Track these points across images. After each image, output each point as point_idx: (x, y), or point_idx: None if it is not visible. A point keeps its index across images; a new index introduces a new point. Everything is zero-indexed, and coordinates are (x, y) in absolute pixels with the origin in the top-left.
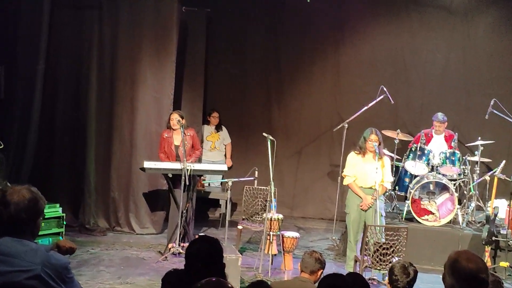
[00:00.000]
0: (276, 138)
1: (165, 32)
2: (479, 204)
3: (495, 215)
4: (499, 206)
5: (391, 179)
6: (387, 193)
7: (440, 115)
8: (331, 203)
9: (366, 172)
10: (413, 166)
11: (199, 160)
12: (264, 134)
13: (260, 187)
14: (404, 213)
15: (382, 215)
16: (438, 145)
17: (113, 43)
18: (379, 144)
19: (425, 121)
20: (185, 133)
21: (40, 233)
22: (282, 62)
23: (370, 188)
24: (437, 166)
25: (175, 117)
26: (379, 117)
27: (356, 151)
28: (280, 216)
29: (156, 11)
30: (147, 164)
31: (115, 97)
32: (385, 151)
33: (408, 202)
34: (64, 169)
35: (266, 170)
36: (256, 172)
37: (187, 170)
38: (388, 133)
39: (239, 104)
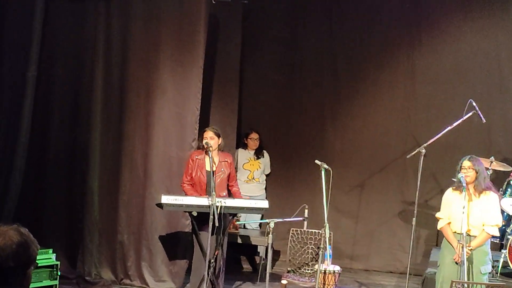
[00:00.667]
0: (332, 166)
1: (190, 29)
2: None
3: None
4: None
5: (498, 222)
6: (494, 240)
7: None
8: (403, 252)
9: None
10: (511, 205)
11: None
12: (316, 161)
13: (310, 230)
14: (500, 265)
15: (482, 273)
16: None
17: (123, 43)
18: (476, 174)
19: None
20: (218, 159)
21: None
22: (340, 68)
23: (468, 235)
24: None
25: (209, 135)
26: (466, 140)
27: (453, 187)
28: (337, 268)
29: (179, 2)
30: (165, 199)
31: (125, 113)
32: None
33: (505, 251)
34: (59, 204)
35: (318, 208)
36: (306, 211)
37: (217, 207)
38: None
39: (283, 123)
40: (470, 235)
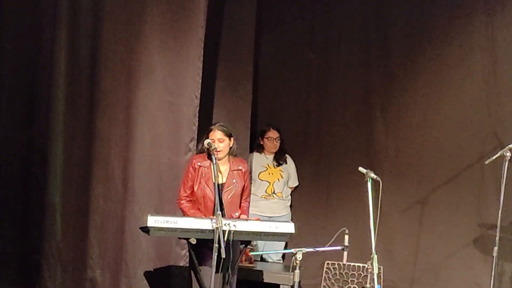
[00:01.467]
0: (382, 176)
1: None
2: None
3: None
4: None
5: None
6: None
7: None
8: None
9: None
10: None
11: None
12: (360, 169)
13: (352, 264)
14: None
15: None
16: None
17: (95, 7)
18: None
19: None
20: (229, 167)
21: None
22: (392, 43)
23: None
24: None
25: (217, 135)
26: None
27: None
28: None
29: None
30: (153, 221)
31: (98, 103)
32: None
33: None
34: (7, 226)
35: (363, 233)
36: (346, 238)
37: (225, 232)
38: None
39: (314, 117)
40: None
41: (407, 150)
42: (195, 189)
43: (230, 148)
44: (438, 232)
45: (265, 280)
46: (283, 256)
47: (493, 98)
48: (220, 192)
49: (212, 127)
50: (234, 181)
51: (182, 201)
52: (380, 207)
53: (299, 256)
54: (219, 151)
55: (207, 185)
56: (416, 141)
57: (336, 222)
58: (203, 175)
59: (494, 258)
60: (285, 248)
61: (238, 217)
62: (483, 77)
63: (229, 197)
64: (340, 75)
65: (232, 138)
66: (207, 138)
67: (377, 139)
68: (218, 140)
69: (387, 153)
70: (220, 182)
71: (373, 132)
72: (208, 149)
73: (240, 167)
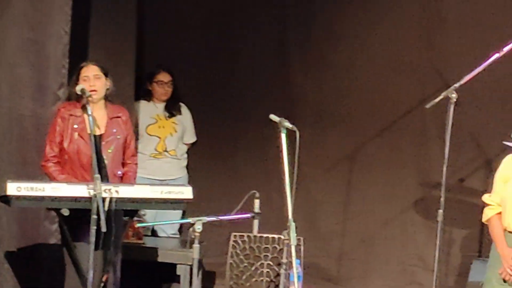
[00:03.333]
0: (302, 127)
1: None
2: None
3: None
4: None
5: None
6: None
7: None
8: (423, 269)
9: None
10: None
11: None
12: (272, 117)
13: (265, 236)
14: None
15: None
16: None
17: None
18: None
19: None
20: (107, 114)
21: None
22: None
23: None
24: None
25: (92, 71)
26: None
27: None
28: None
29: None
30: (13, 188)
31: None
32: None
33: None
34: None
35: (278, 197)
36: (257, 202)
37: (105, 200)
38: None
39: (215, 59)
40: None
41: (331, 95)
42: (66, 145)
43: (107, 89)
44: (371, 194)
45: (159, 259)
46: (180, 229)
47: (436, 31)
48: (99, 145)
49: (84, 63)
50: (114, 130)
51: (49, 163)
52: (299, 165)
53: (198, 227)
54: (94, 91)
55: (82, 138)
56: (343, 84)
57: (244, 184)
58: (76, 126)
59: (439, 223)
60: (182, 218)
61: (122, 178)
62: (422, 5)
63: (109, 150)
64: (250, 4)
65: (108, 78)
66: (78, 79)
67: (295, 82)
68: (94, 76)
69: (307, 99)
70: (97, 133)
71: (289, 74)
72: (79, 95)
73: (120, 114)
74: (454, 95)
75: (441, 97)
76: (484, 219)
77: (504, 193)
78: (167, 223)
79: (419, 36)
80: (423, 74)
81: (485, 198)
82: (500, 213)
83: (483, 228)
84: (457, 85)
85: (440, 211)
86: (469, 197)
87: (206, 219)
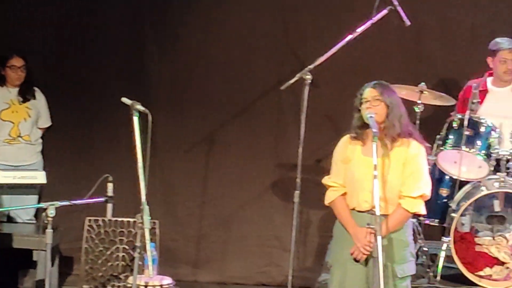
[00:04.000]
0: (157, 110)
1: None
2: None
3: None
4: None
5: (425, 190)
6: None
7: (506, 40)
8: (282, 251)
9: (365, 177)
10: (456, 162)
11: None
12: (124, 100)
13: (120, 220)
14: (440, 264)
15: (400, 276)
16: (503, 110)
17: None
18: (387, 110)
19: (476, 61)
20: None
21: None
22: None
23: (371, 212)
24: (507, 160)
25: None
26: (383, 59)
27: (351, 134)
28: (166, 281)
29: None
30: None
31: None
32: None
33: (449, 239)
34: None
35: (132, 181)
36: (110, 186)
37: None
38: (402, 91)
39: (68, 41)
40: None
41: (188, 77)
42: None
43: None
44: (229, 177)
45: (15, 246)
46: (36, 214)
47: (291, 11)
48: None
49: None
50: None
51: None
52: (155, 148)
53: (51, 212)
54: None
55: None
56: (199, 66)
57: (99, 168)
58: None
59: (296, 204)
60: (39, 203)
61: None
62: None
63: None
64: None
65: None
66: None
67: (150, 65)
68: None
69: (163, 82)
70: None
71: (144, 57)
72: None
73: None
74: (309, 76)
75: (295, 78)
76: (327, 202)
77: (349, 174)
78: (19, 208)
79: (274, 18)
80: (279, 56)
81: (326, 180)
82: (344, 194)
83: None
84: (311, 66)
85: (297, 192)
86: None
87: (59, 203)
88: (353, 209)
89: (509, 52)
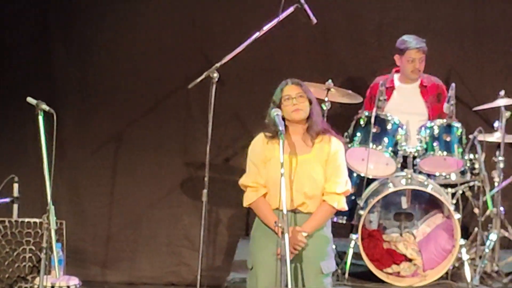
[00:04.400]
0: (66, 109)
1: None
2: (506, 233)
3: None
4: None
5: (347, 186)
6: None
7: (414, 39)
8: (191, 250)
9: (286, 175)
10: (364, 160)
11: None
12: (29, 99)
13: (27, 220)
14: (348, 262)
15: (324, 273)
16: (409, 107)
17: None
18: (310, 106)
19: (383, 58)
20: None
21: None
22: None
23: (295, 211)
24: (414, 157)
25: None
26: (288, 58)
27: (267, 133)
28: (73, 282)
29: None
30: None
31: None
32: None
33: (356, 236)
34: None
35: (39, 181)
36: (16, 186)
37: None
38: (310, 88)
39: None
40: (299, 212)
41: (95, 76)
42: None
43: None
44: (138, 176)
45: None
46: None
47: (198, 9)
48: None
49: None
50: None
51: None
52: (63, 148)
53: None
54: None
55: None
56: (107, 65)
57: (6, 169)
58: None
59: (204, 203)
60: None
61: None
62: None
63: None
64: None
65: None
66: None
67: (57, 64)
68: None
69: (70, 81)
70: None
71: (51, 55)
72: None
73: None
74: (216, 75)
75: (202, 76)
76: (247, 203)
77: (271, 173)
78: None
79: (182, 16)
80: (188, 54)
81: (245, 180)
82: (265, 194)
83: (249, 210)
84: (218, 64)
85: (205, 191)
86: (235, 176)
87: None
88: (276, 208)
89: (417, 52)
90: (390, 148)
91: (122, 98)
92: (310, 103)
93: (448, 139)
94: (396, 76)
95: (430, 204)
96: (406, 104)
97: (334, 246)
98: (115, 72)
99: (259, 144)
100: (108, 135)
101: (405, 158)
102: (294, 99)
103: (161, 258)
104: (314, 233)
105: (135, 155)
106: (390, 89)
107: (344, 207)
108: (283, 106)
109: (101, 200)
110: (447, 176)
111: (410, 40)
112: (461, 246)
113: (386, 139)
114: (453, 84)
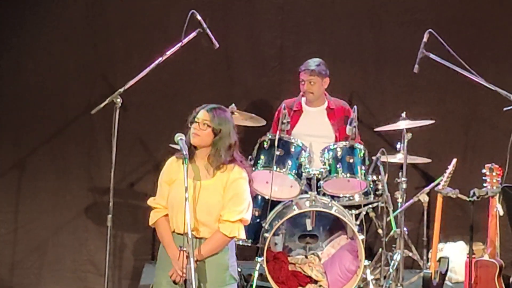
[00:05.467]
0: None
1: None
2: (410, 253)
3: (443, 275)
4: (449, 255)
5: (244, 215)
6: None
7: (310, 61)
8: (97, 275)
9: (184, 199)
10: (268, 182)
11: None
12: None
13: None
14: (254, 285)
15: None
16: (316, 130)
17: None
18: (214, 137)
19: (288, 80)
20: None
21: None
22: None
23: (195, 237)
24: (318, 179)
25: None
26: (192, 82)
27: (177, 155)
28: None
29: None
30: None
31: None
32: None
33: (261, 259)
34: None
35: None
36: None
37: None
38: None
39: None
40: (197, 237)
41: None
42: None
43: None
44: (42, 202)
45: None
46: None
47: (101, 34)
48: None
49: None
50: None
51: None
52: None
53: None
54: None
55: None
56: (10, 90)
57: None
58: None
59: (109, 228)
60: None
61: None
62: (87, 7)
63: None
64: None
65: None
66: None
67: None
68: None
69: None
70: None
71: None
72: None
73: None
74: (119, 100)
75: (106, 102)
76: (150, 223)
77: (171, 195)
78: None
79: (84, 42)
80: (90, 79)
81: (151, 201)
82: (167, 215)
83: (155, 232)
84: (121, 90)
85: (109, 216)
86: (140, 201)
87: None
88: (173, 231)
89: (305, 73)
90: (294, 171)
91: (25, 124)
92: (216, 134)
93: (351, 160)
94: (303, 100)
95: (335, 225)
96: (313, 127)
97: (239, 270)
98: (18, 98)
99: (168, 165)
100: (11, 161)
101: (309, 180)
102: (199, 124)
103: (66, 283)
104: (210, 260)
105: (39, 181)
106: (298, 112)
107: (238, 235)
108: (190, 129)
109: (5, 227)
110: (351, 198)
111: (306, 62)
112: (365, 266)
113: (290, 162)
114: (355, 107)
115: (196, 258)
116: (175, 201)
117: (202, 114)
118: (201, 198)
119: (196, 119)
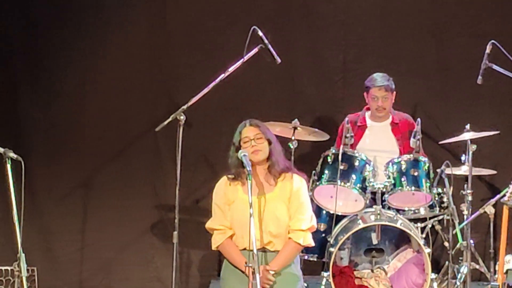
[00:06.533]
0: (34, 157)
1: None
2: (477, 266)
3: (511, 287)
4: None
5: (312, 222)
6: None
7: (380, 77)
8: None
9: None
10: (332, 197)
11: None
12: None
13: None
14: None
15: None
16: (380, 145)
17: None
18: (270, 146)
19: (351, 94)
20: None
21: None
22: None
23: (264, 249)
24: (383, 193)
25: None
26: (254, 98)
27: (229, 175)
28: None
29: None
30: None
31: None
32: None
33: (327, 274)
34: None
35: (8, 228)
36: None
37: None
38: (276, 128)
39: None
40: (268, 251)
41: (62, 122)
42: None
43: None
44: (108, 220)
45: None
46: None
47: (162, 48)
48: None
49: None
50: None
51: None
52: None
53: None
54: None
55: None
56: (73, 110)
57: None
58: None
59: (175, 245)
60: None
61: None
62: (149, 28)
63: None
64: None
65: None
66: None
67: (23, 111)
68: None
69: (38, 128)
70: None
71: (18, 102)
72: None
73: None
74: (182, 117)
75: (169, 119)
76: (214, 246)
77: (235, 215)
78: None
79: (147, 59)
80: (154, 97)
81: (211, 224)
82: (231, 236)
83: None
84: (185, 106)
85: (175, 233)
86: (205, 218)
87: None
88: (244, 249)
89: (379, 90)
90: (358, 185)
91: (89, 142)
92: (270, 143)
93: (415, 173)
94: (367, 114)
95: (400, 239)
96: (377, 142)
97: (305, 284)
98: (82, 117)
99: (221, 187)
100: (77, 180)
101: (373, 194)
102: (253, 140)
103: None
104: (282, 271)
105: (104, 200)
106: (362, 128)
107: (311, 243)
108: (242, 148)
109: (72, 246)
110: (416, 211)
111: (376, 78)
112: (432, 280)
113: (354, 176)
114: (419, 119)
115: (274, 271)
116: (241, 219)
117: (250, 130)
118: (268, 211)
119: (246, 138)
